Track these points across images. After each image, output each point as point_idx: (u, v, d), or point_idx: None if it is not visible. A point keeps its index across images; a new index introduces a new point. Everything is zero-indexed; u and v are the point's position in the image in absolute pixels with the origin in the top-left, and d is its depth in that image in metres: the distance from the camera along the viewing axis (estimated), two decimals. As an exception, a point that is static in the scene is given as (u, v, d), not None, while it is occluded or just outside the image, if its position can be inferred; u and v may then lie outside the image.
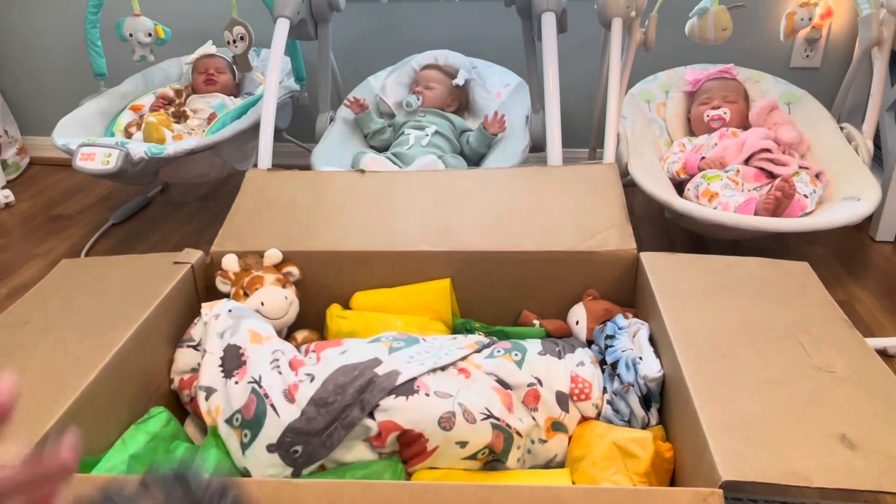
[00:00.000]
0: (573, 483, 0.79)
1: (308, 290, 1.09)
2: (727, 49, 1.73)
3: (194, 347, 0.97)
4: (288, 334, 1.08)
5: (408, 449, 0.81)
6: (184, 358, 0.96)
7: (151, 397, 0.92)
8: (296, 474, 0.79)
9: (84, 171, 1.45)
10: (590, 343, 1.02)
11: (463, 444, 0.80)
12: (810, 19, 1.64)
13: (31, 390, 0.76)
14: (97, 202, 2.01)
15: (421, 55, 1.90)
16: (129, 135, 1.73)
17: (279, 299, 1.04)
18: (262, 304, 1.02)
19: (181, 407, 0.97)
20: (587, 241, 1.07)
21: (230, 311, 0.96)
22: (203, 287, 1.08)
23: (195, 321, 0.99)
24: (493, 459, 0.83)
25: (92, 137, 1.57)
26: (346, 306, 1.10)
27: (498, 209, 1.15)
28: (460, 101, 1.83)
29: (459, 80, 1.80)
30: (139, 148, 1.47)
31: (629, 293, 1.08)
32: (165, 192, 2.07)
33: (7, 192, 2.01)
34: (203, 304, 0.99)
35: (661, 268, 1.00)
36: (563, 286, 1.08)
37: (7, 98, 2.27)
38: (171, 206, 1.98)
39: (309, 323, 1.10)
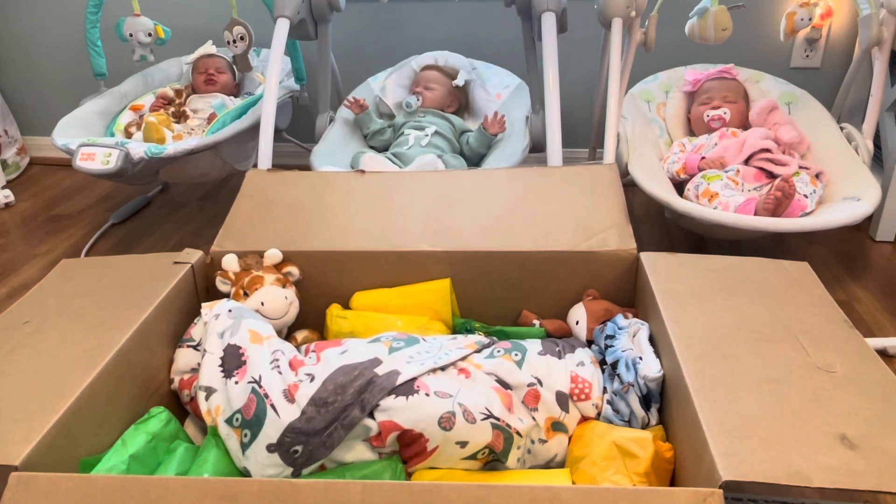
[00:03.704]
0: (573, 483, 0.79)
1: (308, 290, 1.09)
2: (727, 49, 1.73)
3: (194, 347, 0.97)
4: (288, 334, 1.08)
5: (408, 449, 0.81)
6: (184, 358, 0.96)
7: (151, 397, 0.92)
8: (296, 474, 0.79)
9: (84, 171, 1.45)
10: (590, 343, 1.02)
11: (463, 444, 0.80)
12: (810, 19, 1.64)
13: (32, 390, 0.77)
14: (97, 202, 2.01)
15: (421, 56, 1.89)
16: (129, 135, 1.73)
17: (279, 299, 1.04)
18: (262, 304, 1.02)
19: (181, 407, 0.97)
20: (587, 241, 1.07)
21: (230, 311, 0.96)
22: (203, 287, 1.08)
23: (195, 321, 0.99)
24: (493, 459, 0.83)
25: (92, 137, 1.57)
26: (346, 306, 1.10)
27: (498, 209, 1.15)
28: (460, 101, 1.82)
29: (459, 81, 1.79)
30: (139, 148, 1.47)
31: (629, 293, 1.08)
32: (165, 192, 2.07)
33: (7, 192, 2.01)
34: (203, 304, 0.99)
35: (661, 268, 1.00)
36: (563, 286, 1.08)
37: (7, 98, 2.27)
38: (171, 206, 1.98)
39: (309, 323, 1.10)
